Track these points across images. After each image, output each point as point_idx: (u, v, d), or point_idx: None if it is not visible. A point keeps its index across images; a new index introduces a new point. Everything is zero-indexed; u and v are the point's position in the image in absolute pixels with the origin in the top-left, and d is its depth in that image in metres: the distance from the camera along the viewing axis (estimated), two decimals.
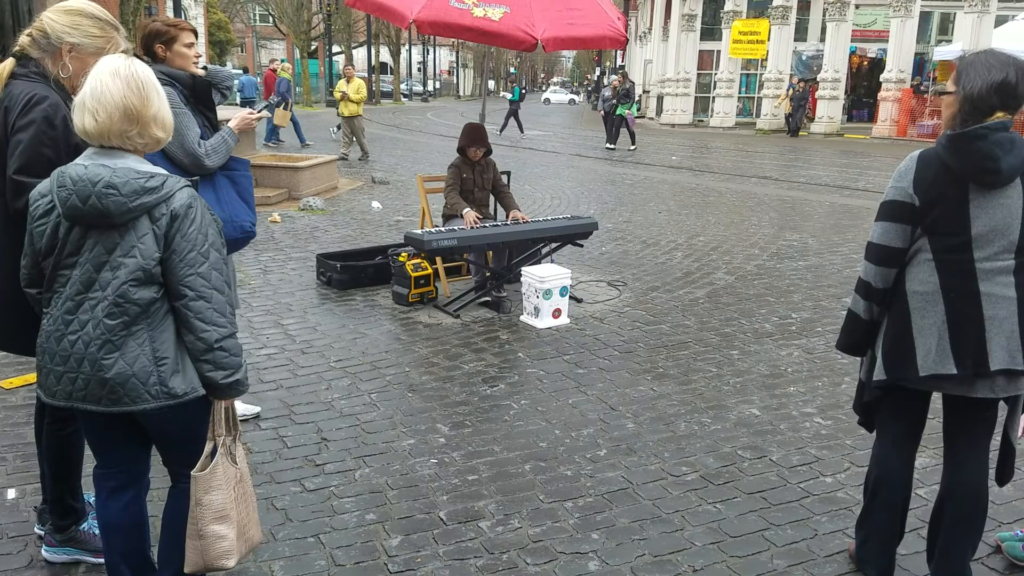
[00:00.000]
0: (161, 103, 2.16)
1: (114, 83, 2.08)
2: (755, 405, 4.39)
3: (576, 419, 4.15)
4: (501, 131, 23.18)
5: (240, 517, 2.32)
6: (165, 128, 2.17)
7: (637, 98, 20.56)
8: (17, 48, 2.56)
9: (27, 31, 2.59)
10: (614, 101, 19.64)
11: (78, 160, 2.14)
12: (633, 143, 20.01)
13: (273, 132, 18.97)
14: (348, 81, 15.77)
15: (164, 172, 2.15)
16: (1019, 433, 2.69)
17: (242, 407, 4.13)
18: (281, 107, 17.53)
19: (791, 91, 25.96)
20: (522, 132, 24.23)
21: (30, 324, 2.41)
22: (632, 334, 5.52)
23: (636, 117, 20.93)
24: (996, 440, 2.69)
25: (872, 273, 2.58)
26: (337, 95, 15.84)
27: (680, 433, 4.02)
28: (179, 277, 2.11)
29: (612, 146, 19.98)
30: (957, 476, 2.67)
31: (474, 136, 6.12)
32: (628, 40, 5.82)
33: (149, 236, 2.09)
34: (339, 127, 17.16)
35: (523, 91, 25.86)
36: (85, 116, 2.09)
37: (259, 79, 23.05)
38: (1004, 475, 2.70)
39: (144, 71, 2.13)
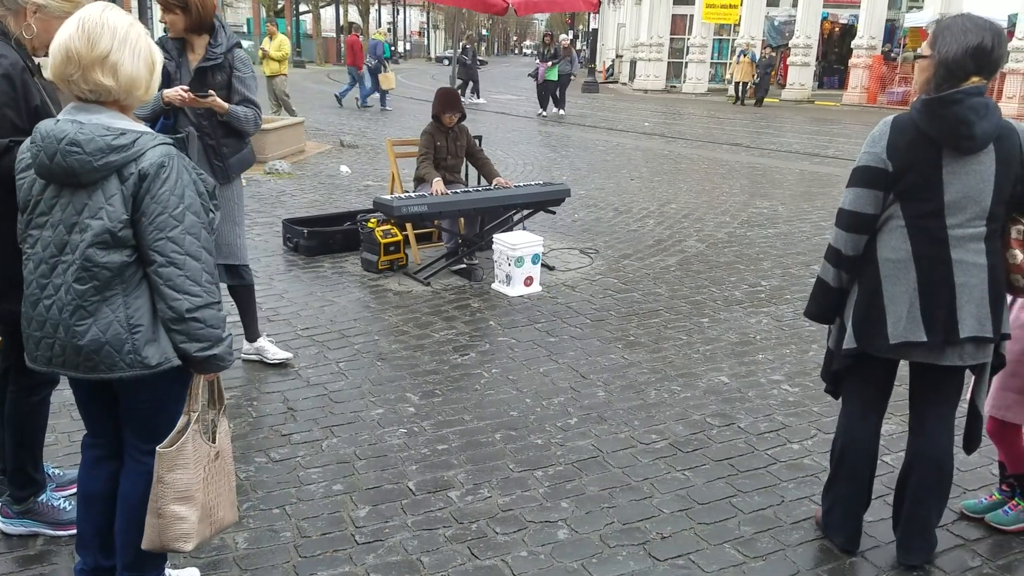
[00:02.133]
0: (117, 50, 1.98)
1: (68, 25, 2.00)
2: (724, 373, 4.40)
3: (547, 388, 4.14)
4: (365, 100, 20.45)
5: (208, 498, 2.22)
6: (116, 77, 2.00)
7: (581, 64, 18.88)
8: None
9: None
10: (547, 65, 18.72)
11: (59, 115, 2.06)
12: (543, 108, 19.29)
13: (369, 94, 18.87)
14: (271, 38, 14.45)
15: (139, 129, 2.04)
16: (985, 400, 2.72)
17: (274, 351, 4.27)
18: (382, 70, 18.04)
19: (743, 58, 24.49)
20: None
21: None
22: (604, 302, 5.51)
23: (606, 82, 20.13)
24: (963, 407, 2.72)
25: (843, 240, 2.56)
26: (260, 53, 14.63)
27: (650, 401, 4.03)
28: (148, 241, 2.01)
29: (543, 113, 19.19)
30: (923, 443, 2.70)
31: (448, 101, 6.01)
32: (601, 2, 5.71)
33: (117, 197, 1.99)
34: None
35: (393, 49, 24.03)
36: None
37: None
38: (971, 442, 2.72)
39: (110, 18, 2.00)
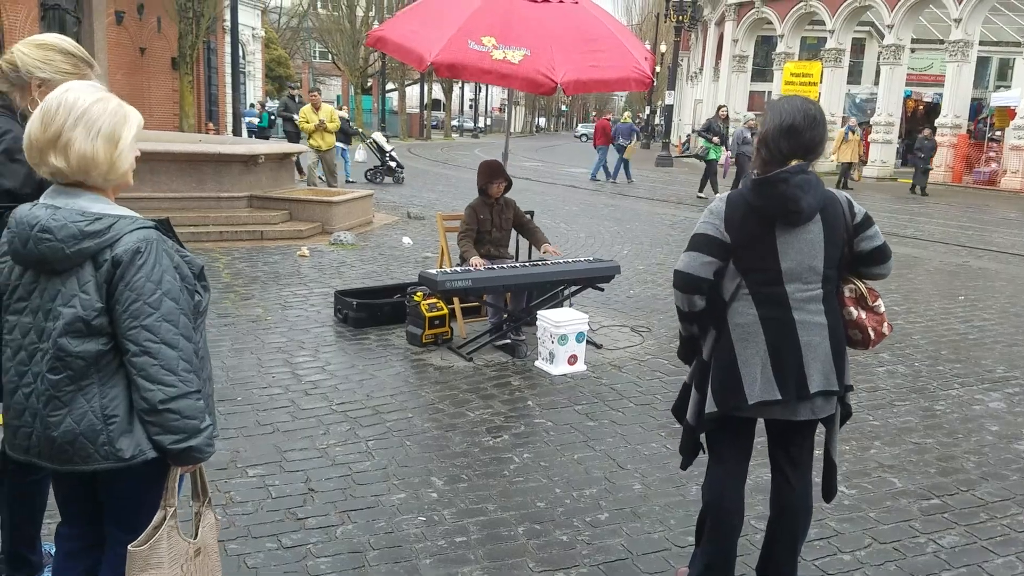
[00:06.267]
0: (70, 128, 1.90)
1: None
2: None
3: (580, 477, 3.91)
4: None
5: None
6: (67, 157, 1.90)
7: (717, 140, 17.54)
8: None
9: None
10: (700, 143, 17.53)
11: (41, 198, 2.02)
12: (700, 189, 17.85)
13: (622, 166, 21.30)
14: (317, 109, 13.32)
15: (117, 213, 1.98)
16: (837, 448, 2.88)
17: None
18: (633, 143, 21.21)
19: (852, 136, 20.61)
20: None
21: None
22: (651, 384, 5.27)
23: (681, 156, 20.22)
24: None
25: (679, 299, 2.75)
26: (306, 125, 13.26)
27: (690, 497, 3.75)
28: (122, 330, 1.93)
29: (701, 194, 17.53)
30: (788, 494, 2.84)
31: (492, 173, 6.00)
32: (654, 83, 5.68)
33: (91, 284, 1.93)
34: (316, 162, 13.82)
35: (272, 117, 23.35)
36: None
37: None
38: (829, 492, 2.89)
39: (69, 97, 1.94)
